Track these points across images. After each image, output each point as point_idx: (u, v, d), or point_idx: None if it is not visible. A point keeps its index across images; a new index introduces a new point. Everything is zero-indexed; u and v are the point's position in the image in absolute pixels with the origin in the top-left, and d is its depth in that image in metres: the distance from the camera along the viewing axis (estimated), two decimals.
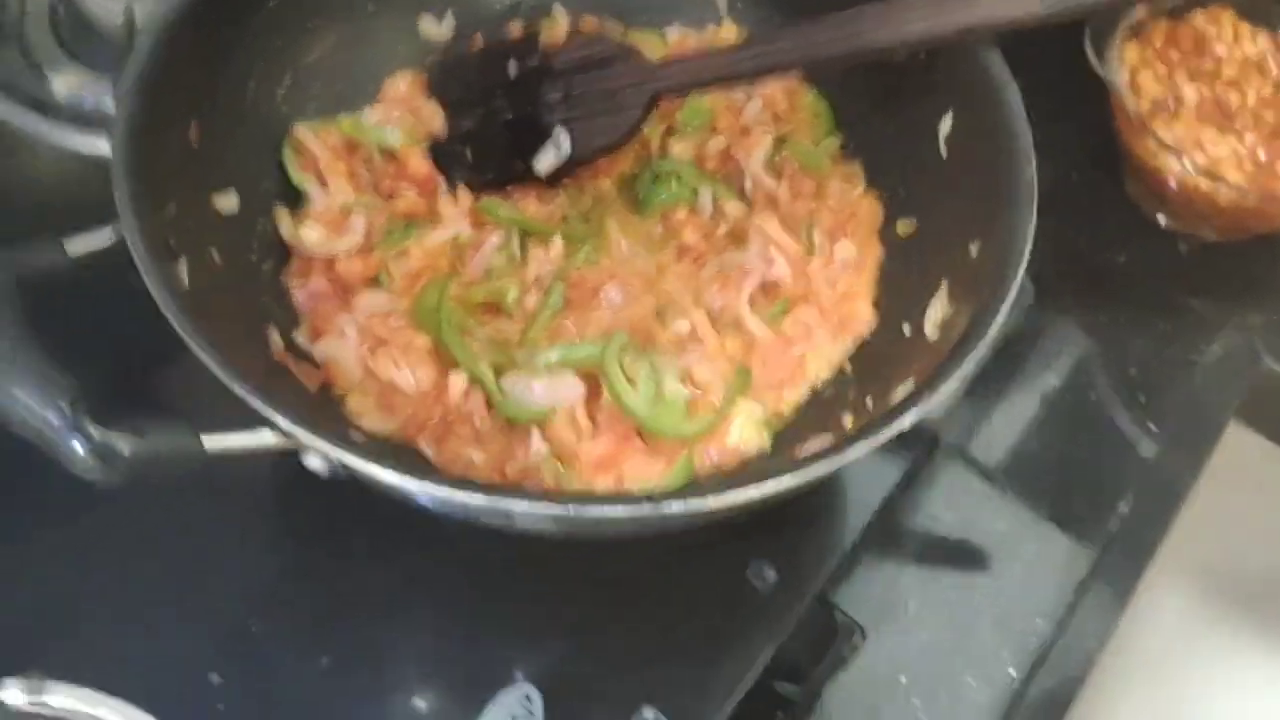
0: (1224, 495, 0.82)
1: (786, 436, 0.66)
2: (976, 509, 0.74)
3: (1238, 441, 0.83)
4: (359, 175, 0.71)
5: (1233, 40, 0.83)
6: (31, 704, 0.56)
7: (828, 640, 0.68)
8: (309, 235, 0.68)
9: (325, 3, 0.72)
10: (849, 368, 0.68)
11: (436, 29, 0.78)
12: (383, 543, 0.66)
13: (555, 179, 0.72)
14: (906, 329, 0.66)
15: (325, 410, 0.64)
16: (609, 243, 0.71)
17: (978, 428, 0.77)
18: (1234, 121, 0.80)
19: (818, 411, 0.67)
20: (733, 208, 0.73)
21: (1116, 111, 0.82)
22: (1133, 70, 0.82)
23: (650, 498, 0.50)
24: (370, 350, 0.65)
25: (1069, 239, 0.83)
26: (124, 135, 0.57)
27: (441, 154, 0.73)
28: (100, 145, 0.61)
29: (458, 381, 0.64)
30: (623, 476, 0.63)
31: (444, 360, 0.65)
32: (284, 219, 0.69)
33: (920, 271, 0.67)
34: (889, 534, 0.72)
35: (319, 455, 0.52)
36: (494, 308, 0.69)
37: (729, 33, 0.79)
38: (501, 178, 0.72)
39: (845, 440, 0.53)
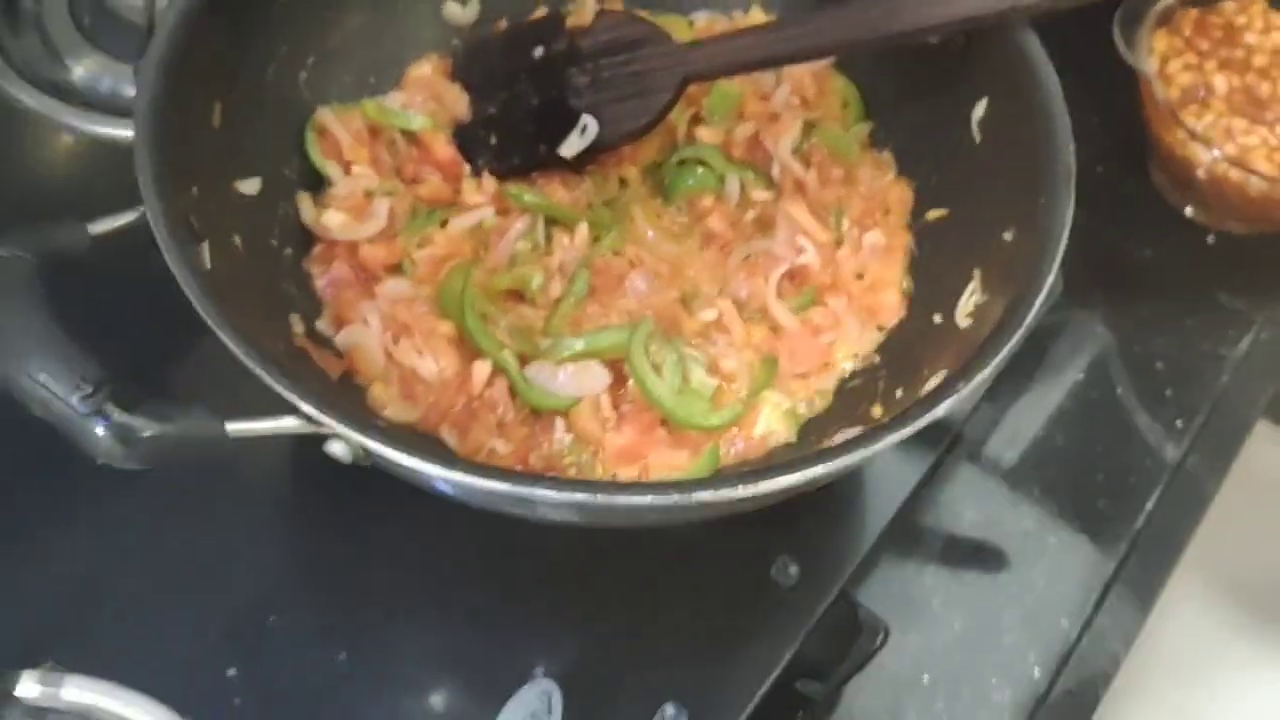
0: (1251, 494, 0.81)
1: (813, 428, 0.66)
2: (1000, 507, 0.74)
3: (1267, 439, 0.82)
4: (382, 160, 0.71)
5: (1263, 29, 0.82)
6: (47, 697, 0.56)
7: (851, 638, 0.67)
8: (331, 220, 0.68)
9: None
10: (878, 358, 0.68)
11: (461, 13, 0.77)
12: (402, 537, 0.66)
13: (581, 164, 0.72)
14: (938, 318, 0.66)
15: (347, 399, 0.63)
16: (634, 230, 0.71)
17: (1001, 424, 0.77)
18: (1265, 111, 0.80)
19: (846, 402, 0.66)
20: (760, 195, 0.72)
21: (1145, 101, 0.81)
22: (1162, 59, 0.82)
23: (679, 486, 0.50)
24: (393, 338, 0.64)
25: (1094, 231, 0.80)
26: (147, 115, 0.56)
27: (466, 139, 0.72)
28: (120, 130, 0.61)
29: (481, 370, 0.64)
30: (648, 467, 0.63)
31: (467, 348, 0.65)
32: (306, 204, 0.69)
33: (952, 259, 0.66)
34: (912, 531, 0.72)
35: (341, 442, 0.51)
36: (518, 295, 0.68)
37: (757, 19, 0.78)
38: (526, 163, 0.72)
39: (878, 429, 0.52)
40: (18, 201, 0.78)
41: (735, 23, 0.78)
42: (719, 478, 0.60)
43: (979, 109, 0.67)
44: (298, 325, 0.64)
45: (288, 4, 0.68)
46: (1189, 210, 0.85)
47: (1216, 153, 0.77)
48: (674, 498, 0.49)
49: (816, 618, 0.65)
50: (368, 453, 0.51)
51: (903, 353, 0.67)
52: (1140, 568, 0.72)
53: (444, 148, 0.71)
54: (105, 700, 0.57)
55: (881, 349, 0.68)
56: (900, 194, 0.72)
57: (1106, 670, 0.68)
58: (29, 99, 0.80)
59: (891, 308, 0.68)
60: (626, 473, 0.63)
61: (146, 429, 0.48)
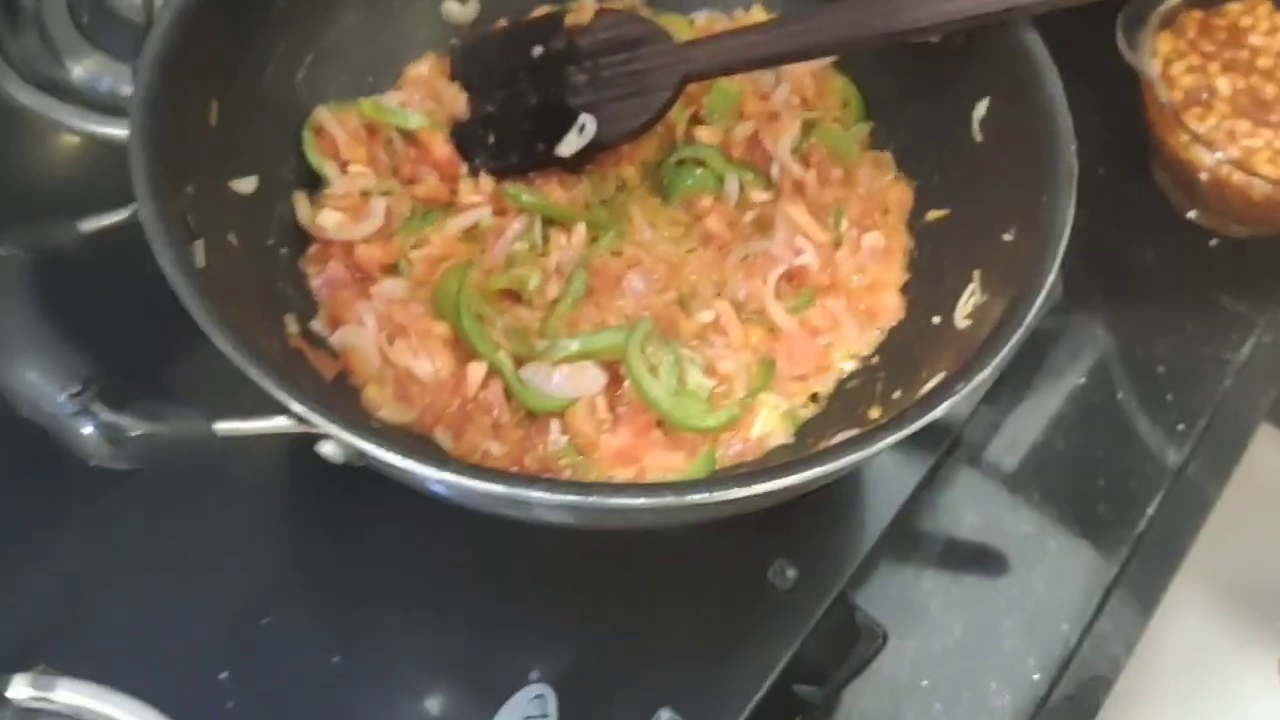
0: (1253, 499, 0.81)
1: (811, 430, 0.65)
2: (999, 511, 0.73)
3: (1269, 443, 0.81)
4: (379, 159, 0.71)
5: (1268, 31, 0.82)
6: (39, 699, 0.56)
7: (849, 642, 0.67)
8: (327, 220, 0.67)
9: None
10: (876, 359, 0.67)
11: (460, 11, 0.77)
12: (397, 539, 0.66)
13: (579, 164, 0.72)
14: (936, 319, 0.65)
15: (341, 399, 0.63)
16: (632, 230, 0.70)
17: (1001, 428, 0.77)
18: (1269, 114, 0.79)
19: (844, 404, 0.66)
20: (759, 195, 0.72)
21: (1148, 103, 0.81)
22: (1165, 61, 0.81)
23: (673, 488, 0.49)
24: (388, 339, 0.64)
25: (1096, 234, 0.80)
26: (142, 111, 0.56)
27: (463, 138, 0.72)
28: (119, 130, 0.60)
29: (476, 371, 0.63)
30: (644, 469, 0.63)
31: (463, 349, 0.65)
32: (302, 203, 0.68)
33: (951, 260, 0.66)
34: (911, 535, 0.71)
35: (333, 442, 0.51)
36: (514, 296, 0.68)
37: (758, 17, 0.77)
38: (524, 162, 0.71)
39: (876, 430, 0.52)
40: (15, 200, 0.77)
41: (736, 21, 0.78)
42: (714, 479, 0.59)
43: (980, 108, 0.67)
44: (293, 325, 0.64)
45: (286, 2, 0.68)
46: (1191, 213, 0.85)
47: (1220, 155, 0.77)
48: (668, 499, 0.49)
49: (814, 621, 0.64)
50: (360, 454, 0.51)
51: (901, 354, 0.66)
52: (1142, 572, 0.72)
53: (441, 147, 0.71)
54: (97, 703, 0.57)
55: (880, 350, 0.68)
56: (900, 194, 0.71)
57: (1108, 675, 0.68)
58: (28, 98, 0.80)
59: (890, 309, 0.68)
60: (622, 475, 0.62)
61: (135, 428, 0.48)
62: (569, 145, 0.70)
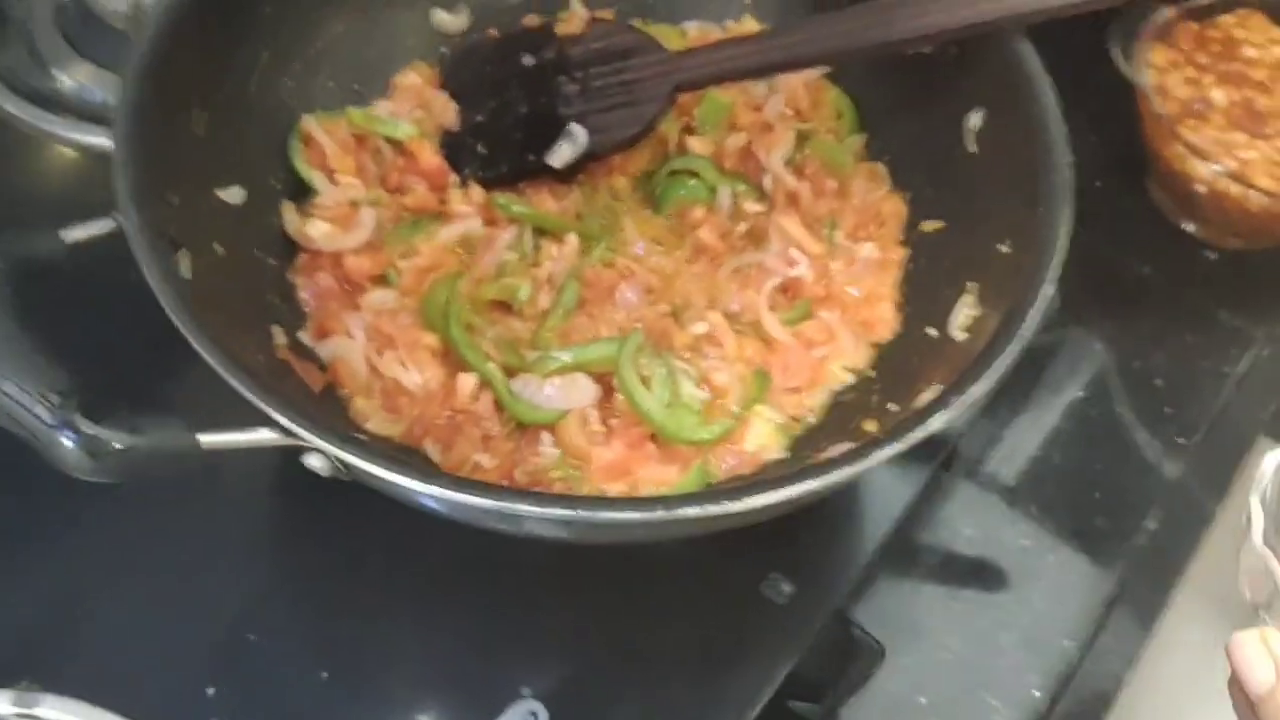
0: None
1: (805, 443, 0.65)
2: (997, 525, 0.73)
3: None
4: (368, 169, 0.70)
5: (1263, 43, 0.82)
6: (22, 716, 0.55)
7: (845, 658, 0.67)
8: (315, 230, 0.67)
9: None
10: (872, 372, 0.67)
11: (450, 21, 0.77)
12: (385, 553, 0.65)
13: (570, 174, 0.71)
14: (932, 332, 0.65)
15: (329, 411, 0.62)
16: (624, 241, 0.70)
17: (998, 442, 0.76)
18: (1264, 126, 0.79)
19: (838, 417, 0.65)
20: (752, 206, 0.72)
21: (1143, 115, 0.81)
22: (1160, 73, 0.81)
23: (665, 502, 0.49)
24: (377, 350, 0.64)
25: (1092, 247, 0.79)
26: (126, 120, 0.56)
27: (453, 147, 0.72)
28: (107, 140, 0.60)
29: (466, 382, 0.63)
30: (636, 483, 0.62)
31: (452, 361, 0.64)
32: (289, 213, 0.68)
33: (947, 272, 0.66)
34: (908, 550, 0.71)
35: (319, 455, 0.50)
36: (505, 306, 0.67)
37: (750, 28, 0.78)
38: (514, 172, 0.71)
39: (871, 444, 0.51)
40: (2, 212, 0.77)
41: (728, 32, 0.78)
42: (706, 493, 0.59)
43: (974, 119, 0.67)
44: (280, 336, 0.63)
45: (273, 10, 0.67)
46: (1188, 226, 0.85)
47: (1216, 167, 0.77)
48: (660, 514, 0.48)
49: (811, 637, 0.64)
50: (346, 466, 0.50)
51: (897, 367, 0.66)
52: (1142, 587, 0.71)
53: (430, 156, 0.70)
54: None
55: (875, 363, 0.67)
56: (894, 206, 0.71)
57: (1108, 691, 0.67)
58: (15, 108, 0.80)
59: (885, 321, 0.68)
60: (614, 488, 0.62)
61: (116, 441, 0.47)
62: (560, 155, 0.70)
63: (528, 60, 0.72)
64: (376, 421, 0.63)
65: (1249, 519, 0.60)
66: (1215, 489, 0.76)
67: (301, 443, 0.49)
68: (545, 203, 0.70)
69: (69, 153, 0.80)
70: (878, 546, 0.68)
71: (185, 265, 0.56)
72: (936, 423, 0.51)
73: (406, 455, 0.62)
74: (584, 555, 0.63)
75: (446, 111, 0.73)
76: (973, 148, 0.67)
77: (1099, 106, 0.79)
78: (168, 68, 0.59)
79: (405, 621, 0.64)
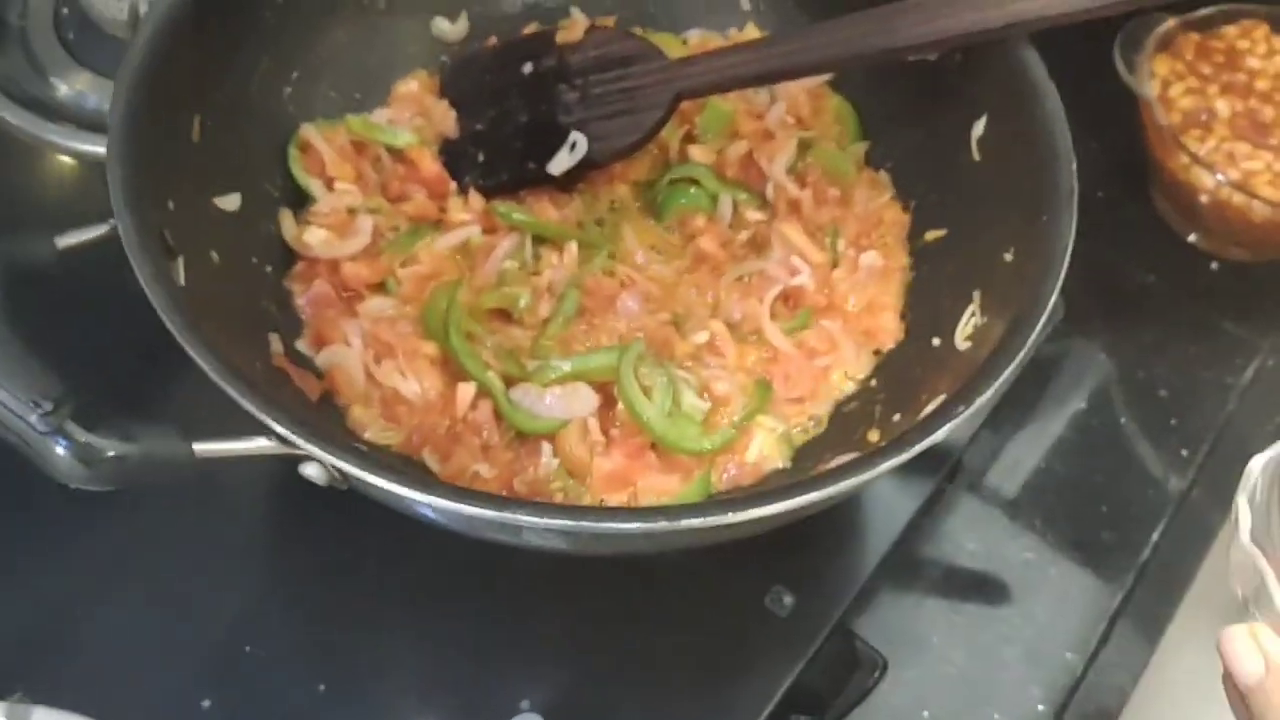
0: None
1: (808, 453, 0.64)
2: (1000, 538, 0.72)
3: None
4: (366, 177, 0.70)
5: (1266, 54, 0.82)
6: None
7: (848, 671, 0.66)
8: (313, 238, 0.67)
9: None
10: (875, 382, 0.66)
11: (450, 29, 0.77)
12: (383, 563, 0.64)
13: (570, 183, 0.71)
14: (936, 341, 0.64)
15: (326, 420, 0.62)
16: (625, 249, 0.70)
17: (1002, 454, 0.76)
18: (1268, 136, 0.79)
19: (841, 427, 0.65)
20: (753, 215, 0.71)
21: (1146, 125, 0.80)
22: (1164, 83, 0.81)
23: (666, 512, 0.48)
24: (375, 358, 0.63)
25: (1096, 257, 0.80)
26: (121, 125, 0.55)
27: (453, 155, 0.71)
28: (104, 148, 0.60)
29: (466, 392, 0.62)
30: (637, 493, 0.61)
31: (451, 370, 0.64)
32: (287, 221, 0.68)
33: (951, 281, 0.65)
34: (911, 562, 0.70)
35: (316, 464, 0.50)
36: (505, 315, 0.67)
37: (752, 36, 0.77)
38: (515, 180, 0.71)
39: (874, 454, 0.51)
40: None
41: (730, 39, 0.78)
42: (708, 504, 0.59)
43: (978, 127, 0.67)
44: (277, 344, 0.63)
45: (273, 15, 0.67)
46: (1192, 236, 0.84)
47: (1219, 178, 0.76)
48: (661, 524, 0.48)
49: (813, 650, 0.63)
50: (344, 476, 0.49)
51: (900, 376, 0.65)
52: (1146, 600, 0.70)
53: (430, 164, 0.70)
54: None
55: (878, 372, 0.67)
56: (897, 214, 0.71)
57: (1112, 705, 0.67)
58: (12, 116, 0.80)
59: (888, 330, 0.67)
60: (615, 498, 0.61)
61: (109, 449, 0.47)
62: (560, 164, 0.69)
63: (528, 68, 0.72)
64: (374, 431, 0.62)
65: (1237, 518, 0.60)
66: (1219, 501, 0.75)
67: (299, 452, 0.49)
68: (545, 211, 0.70)
69: (67, 161, 0.80)
70: (881, 559, 0.67)
71: (181, 272, 0.56)
72: (941, 433, 0.51)
73: (405, 465, 0.61)
74: (584, 566, 0.63)
75: (446, 119, 0.72)
76: (976, 155, 0.67)
77: (1102, 117, 0.78)
78: (164, 74, 0.59)
79: (403, 632, 0.63)
